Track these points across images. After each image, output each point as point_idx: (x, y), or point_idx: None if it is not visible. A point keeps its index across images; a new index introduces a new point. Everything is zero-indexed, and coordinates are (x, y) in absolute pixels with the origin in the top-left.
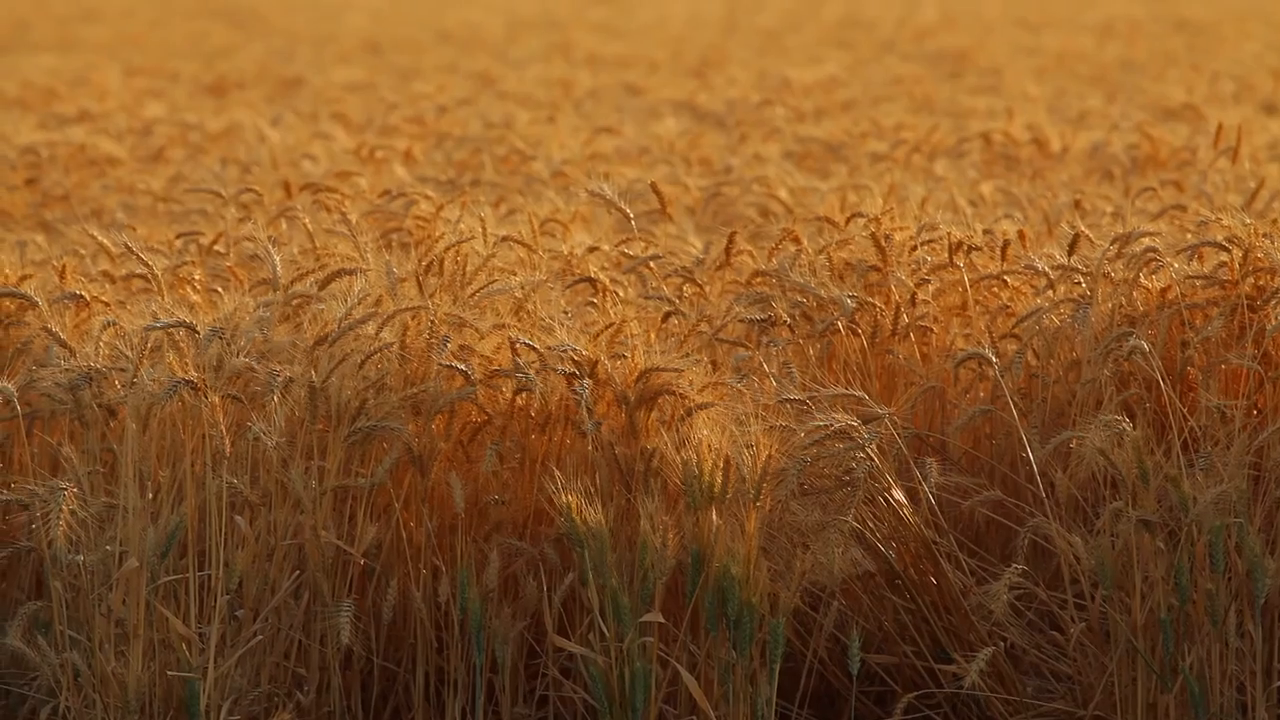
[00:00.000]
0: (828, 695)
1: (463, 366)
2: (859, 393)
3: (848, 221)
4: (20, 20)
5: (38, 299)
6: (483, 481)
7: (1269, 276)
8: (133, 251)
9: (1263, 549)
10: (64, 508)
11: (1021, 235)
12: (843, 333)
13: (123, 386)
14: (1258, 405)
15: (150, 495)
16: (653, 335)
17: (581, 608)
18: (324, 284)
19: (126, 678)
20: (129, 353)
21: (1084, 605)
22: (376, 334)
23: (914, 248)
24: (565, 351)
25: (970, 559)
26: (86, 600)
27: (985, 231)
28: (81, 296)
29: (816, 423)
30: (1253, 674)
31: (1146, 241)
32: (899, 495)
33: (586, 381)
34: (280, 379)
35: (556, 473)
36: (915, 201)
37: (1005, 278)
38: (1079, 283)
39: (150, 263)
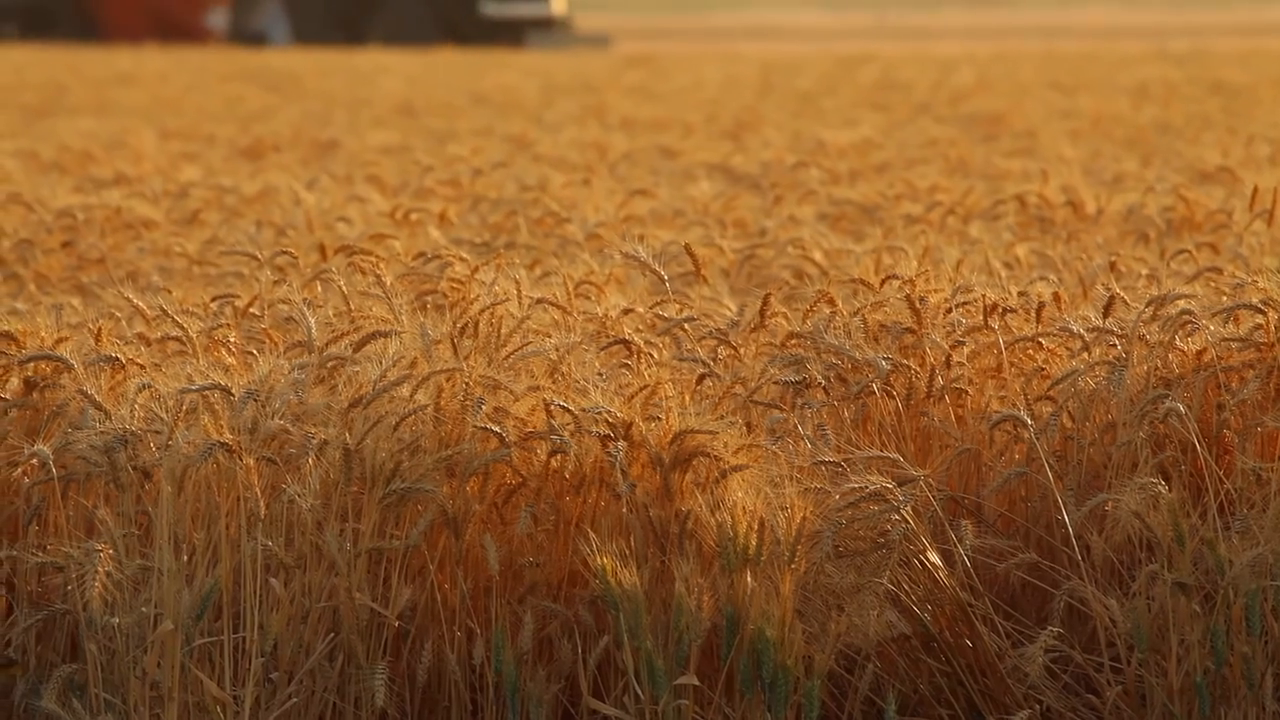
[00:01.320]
0: None
1: (497, 429)
2: (894, 455)
3: (882, 284)
4: (57, 84)
5: (73, 362)
6: (517, 543)
7: None
8: (168, 314)
9: None
10: (99, 570)
11: (1057, 297)
12: (878, 395)
13: (158, 449)
14: None
15: (185, 558)
16: (687, 397)
17: (616, 670)
18: (359, 346)
19: None
20: (164, 415)
21: (1120, 668)
22: (411, 396)
23: (949, 310)
24: (600, 413)
25: (1006, 622)
26: (121, 663)
27: (1020, 294)
28: (117, 359)
29: (851, 485)
30: None
31: (1182, 304)
32: (934, 558)
33: (621, 443)
34: (315, 441)
35: (591, 535)
36: (950, 264)
37: (1040, 340)
38: (1114, 345)
39: (185, 325)
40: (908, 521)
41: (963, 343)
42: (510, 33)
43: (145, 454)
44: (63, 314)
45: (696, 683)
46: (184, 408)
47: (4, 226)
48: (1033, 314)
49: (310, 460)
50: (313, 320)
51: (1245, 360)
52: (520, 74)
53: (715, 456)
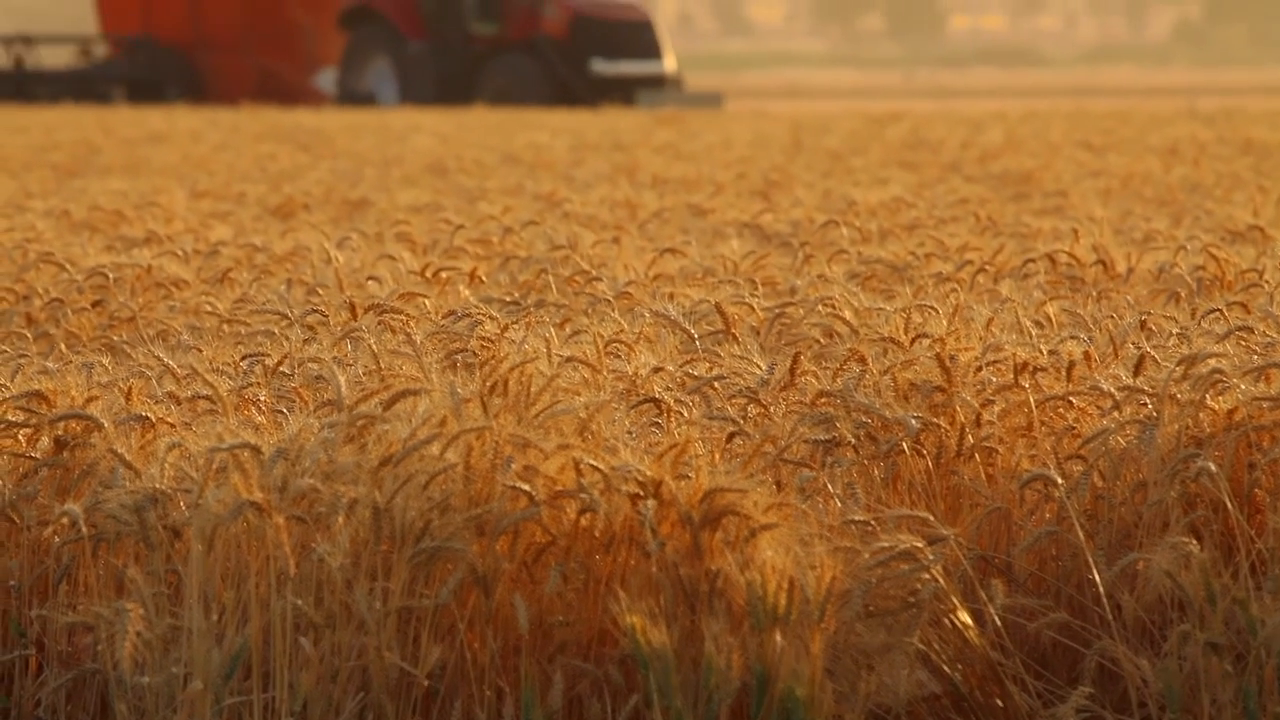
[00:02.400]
0: None
1: (527, 487)
2: (924, 514)
3: (912, 342)
4: (89, 144)
5: (104, 420)
6: (547, 602)
7: None
8: (198, 373)
9: None
10: (129, 629)
11: (1087, 356)
12: (907, 453)
13: (188, 508)
14: None
15: (215, 617)
16: (717, 456)
17: None
18: (388, 405)
19: None
20: (194, 474)
21: None
22: (441, 454)
23: (979, 368)
24: (629, 472)
25: (1036, 681)
26: None
27: (1051, 352)
28: (147, 418)
29: (881, 544)
30: None
31: (1213, 363)
32: (965, 617)
33: (651, 502)
34: (345, 500)
35: (621, 593)
36: (980, 322)
37: (1071, 398)
38: (1145, 404)
39: (215, 384)
40: (938, 580)
41: (993, 401)
42: (621, 91)
43: (175, 513)
44: (93, 373)
45: None
46: (214, 466)
47: (35, 286)
48: (1063, 372)
49: (340, 519)
50: (343, 378)
51: (1277, 419)
52: (550, 133)
53: (745, 515)
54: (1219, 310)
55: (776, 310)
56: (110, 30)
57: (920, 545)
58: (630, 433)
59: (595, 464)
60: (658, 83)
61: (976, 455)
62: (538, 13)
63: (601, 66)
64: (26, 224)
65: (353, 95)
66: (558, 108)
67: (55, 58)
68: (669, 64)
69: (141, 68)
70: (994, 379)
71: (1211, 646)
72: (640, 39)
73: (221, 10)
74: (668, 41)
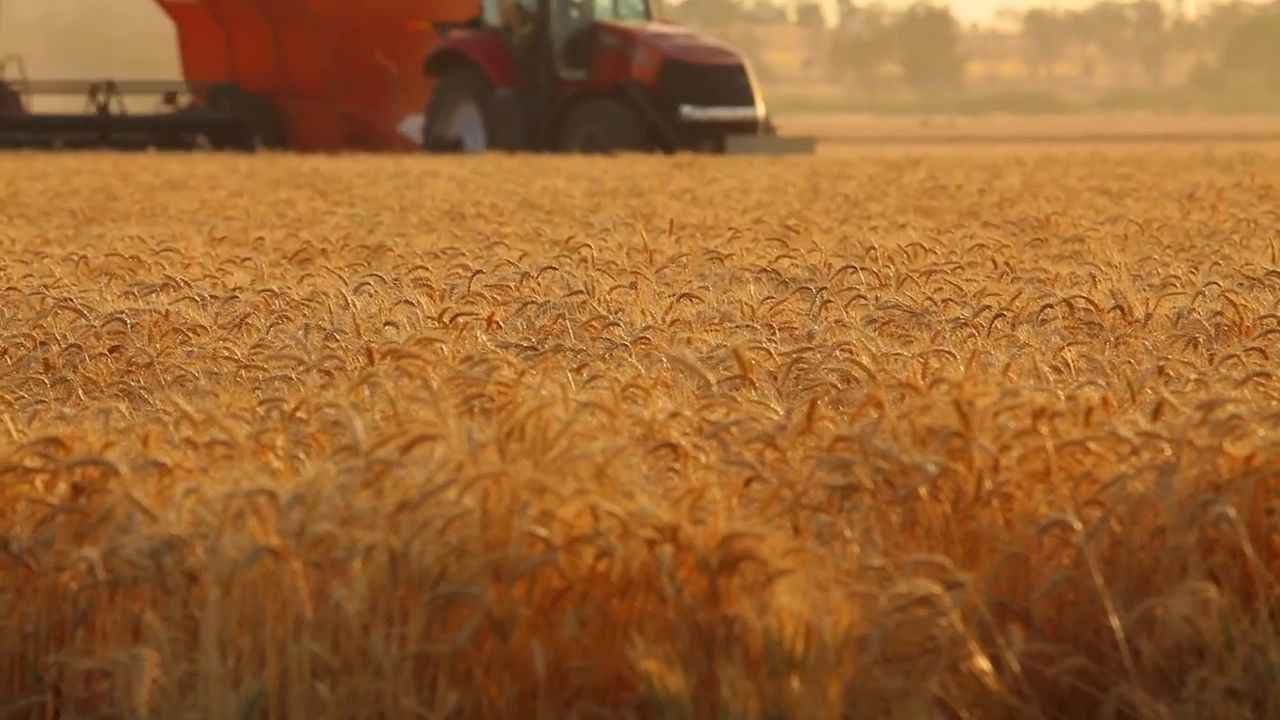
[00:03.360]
0: None
1: (544, 532)
2: (941, 559)
3: (930, 387)
4: (108, 190)
5: (121, 466)
6: (564, 647)
7: None
8: (215, 419)
9: None
10: (146, 675)
11: (1105, 401)
12: (925, 499)
13: (205, 553)
14: None
15: (232, 662)
16: (734, 500)
17: None
18: (405, 450)
19: None
20: (211, 519)
21: None
22: (458, 499)
23: (997, 414)
24: (646, 517)
25: None
26: None
27: (1068, 397)
28: (164, 464)
29: (899, 589)
30: None
31: (1231, 408)
32: (982, 662)
33: (668, 547)
34: (361, 545)
35: (637, 638)
36: (998, 367)
37: (1089, 444)
38: (1163, 449)
39: (232, 430)
40: (956, 626)
41: (1011, 446)
42: (712, 137)
43: (192, 558)
44: (110, 418)
45: None
46: (231, 512)
47: (53, 331)
48: (1081, 418)
49: (357, 564)
50: (360, 423)
51: None
52: (568, 178)
53: (762, 560)
54: (1237, 356)
55: (794, 355)
56: (194, 77)
57: (938, 590)
58: (647, 477)
59: (612, 509)
60: (749, 128)
61: (994, 500)
62: (627, 57)
63: (692, 112)
64: (44, 270)
65: (439, 142)
66: (648, 153)
67: (140, 105)
68: (760, 109)
69: (226, 115)
70: (1012, 424)
71: (1230, 692)
72: (731, 84)
73: (307, 57)
74: (757, 86)
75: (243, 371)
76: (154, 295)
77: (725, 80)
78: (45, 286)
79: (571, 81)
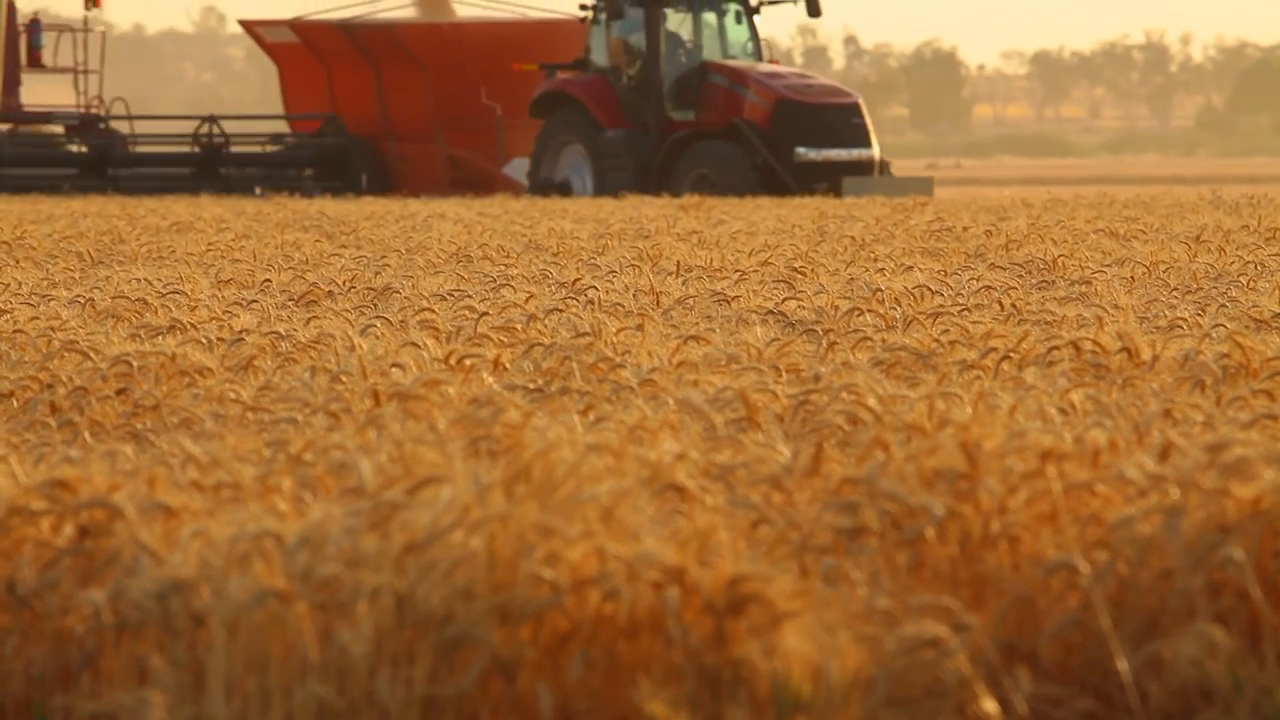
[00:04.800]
0: None
1: (550, 574)
2: (949, 601)
3: (937, 429)
4: (114, 233)
5: (127, 509)
6: (570, 689)
7: None
8: (221, 461)
9: None
10: (152, 718)
11: (1112, 443)
12: (932, 541)
13: (211, 596)
14: None
15: (238, 705)
16: (741, 542)
17: None
18: (412, 492)
19: None
20: (217, 562)
21: None
22: (464, 541)
23: (1003, 456)
24: (653, 559)
25: None
26: None
27: (1075, 440)
28: (170, 506)
29: (906, 631)
30: None
31: (1238, 450)
32: (990, 705)
33: (674, 589)
34: (368, 587)
35: (644, 681)
36: (1004, 409)
37: (1095, 486)
38: (1170, 491)
39: (238, 472)
40: (963, 668)
41: (1017, 488)
42: (827, 178)
43: (198, 600)
44: (116, 461)
45: None
46: (237, 554)
47: (60, 374)
48: (1088, 460)
49: (363, 606)
50: (366, 465)
51: None
52: (574, 221)
53: (769, 602)
54: (1244, 398)
55: (800, 397)
56: (293, 118)
57: (945, 633)
58: (654, 519)
59: (619, 551)
60: (865, 169)
61: (1001, 542)
62: (738, 97)
63: (806, 153)
64: (51, 313)
65: (545, 184)
66: (761, 196)
67: (246, 145)
68: (875, 150)
69: (330, 157)
70: (1018, 466)
71: None
72: (847, 124)
73: (409, 99)
74: (872, 126)
75: (249, 414)
76: (160, 338)
77: (840, 120)
78: (52, 329)
79: (681, 123)
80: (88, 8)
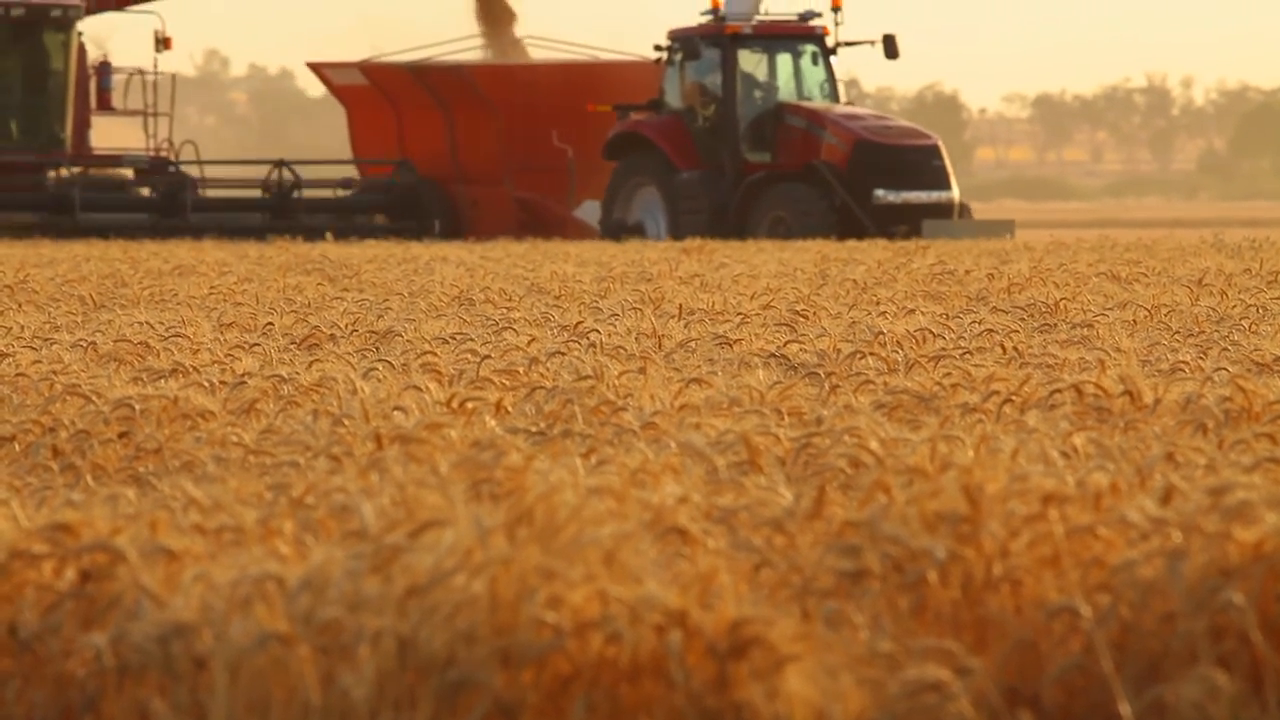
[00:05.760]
0: None
1: (552, 617)
2: (951, 644)
3: (939, 472)
4: (116, 277)
5: (128, 552)
6: None
7: None
8: (223, 504)
9: None
10: None
11: (1114, 487)
12: (934, 584)
13: (213, 639)
14: None
15: None
16: (743, 586)
17: None
18: (414, 535)
19: None
20: (219, 605)
21: None
22: (466, 585)
23: (1005, 499)
24: (655, 602)
25: None
26: None
27: (1077, 483)
28: (172, 550)
29: (908, 675)
30: None
31: (1240, 494)
32: None
33: (676, 632)
34: (370, 631)
35: None
36: (1006, 453)
37: (1098, 529)
38: (1172, 535)
39: (240, 515)
40: (965, 712)
41: (1020, 532)
42: (906, 221)
43: (200, 644)
44: (118, 504)
45: None
46: (239, 597)
47: (62, 418)
48: (1090, 503)
49: (365, 649)
50: (368, 509)
51: None
52: (576, 264)
53: (771, 646)
54: (1246, 441)
55: (802, 440)
56: (365, 163)
57: (947, 676)
58: (656, 563)
59: (621, 594)
60: (945, 212)
61: (1003, 586)
62: (815, 139)
63: (885, 195)
64: (53, 356)
65: (618, 227)
66: (841, 238)
67: (316, 189)
68: (955, 192)
69: (402, 201)
70: (1020, 509)
71: None
72: (926, 166)
73: (479, 141)
74: (952, 168)
75: (251, 457)
76: (162, 381)
77: (920, 162)
78: (54, 373)
79: (757, 164)
80: (158, 49)
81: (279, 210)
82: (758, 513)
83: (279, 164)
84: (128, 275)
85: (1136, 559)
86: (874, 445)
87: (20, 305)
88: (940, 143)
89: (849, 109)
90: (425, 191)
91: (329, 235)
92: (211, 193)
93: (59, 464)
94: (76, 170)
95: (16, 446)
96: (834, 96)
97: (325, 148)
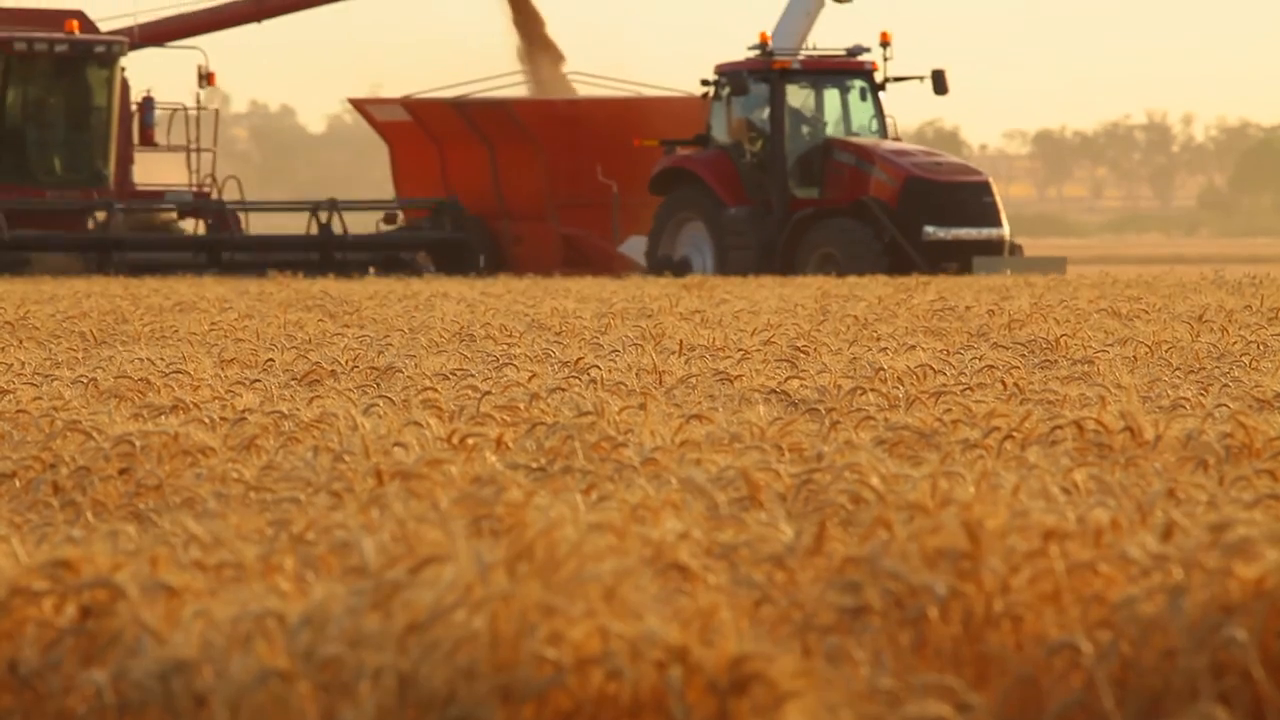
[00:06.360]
0: None
1: (553, 653)
2: (952, 680)
3: (939, 508)
4: (117, 313)
5: (129, 588)
6: None
7: None
8: (224, 541)
9: None
10: None
11: (1114, 523)
12: (935, 620)
13: (213, 675)
14: None
15: None
16: (744, 622)
17: None
18: (414, 571)
19: None
20: (219, 641)
21: None
22: (467, 621)
23: (1006, 535)
24: (656, 638)
25: None
26: None
27: (1078, 519)
28: (172, 586)
29: (909, 711)
30: None
31: (1241, 530)
32: None
33: (677, 668)
34: (370, 667)
35: None
36: (1007, 489)
37: (1098, 565)
38: (1173, 571)
39: (241, 551)
40: None
41: (1020, 568)
42: (957, 258)
43: (200, 681)
44: (119, 541)
45: None
46: (239, 634)
47: (62, 454)
48: (1091, 539)
49: (365, 686)
50: (368, 545)
51: None
52: (577, 300)
53: (772, 682)
54: (1247, 477)
55: (803, 476)
56: (408, 198)
57: (948, 712)
58: (656, 599)
59: (621, 630)
60: (995, 249)
61: (1004, 622)
62: (865, 175)
63: (935, 232)
64: (54, 392)
65: (664, 263)
66: (891, 275)
67: (361, 224)
68: (1006, 229)
69: (444, 236)
70: (1021, 545)
71: None
72: (977, 203)
73: (523, 177)
74: (1002, 204)
75: (251, 493)
76: (163, 417)
77: (970, 199)
78: (54, 409)
79: (805, 200)
80: (201, 85)
81: (323, 247)
82: (758, 549)
83: (329, 206)
84: (128, 311)
85: (1137, 595)
86: (875, 481)
87: (21, 341)
88: (991, 180)
89: (898, 145)
90: (473, 229)
91: (371, 270)
92: (256, 230)
93: (59, 500)
94: (120, 206)
95: (17, 483)
96: (882, 132)
97: (327, 183)
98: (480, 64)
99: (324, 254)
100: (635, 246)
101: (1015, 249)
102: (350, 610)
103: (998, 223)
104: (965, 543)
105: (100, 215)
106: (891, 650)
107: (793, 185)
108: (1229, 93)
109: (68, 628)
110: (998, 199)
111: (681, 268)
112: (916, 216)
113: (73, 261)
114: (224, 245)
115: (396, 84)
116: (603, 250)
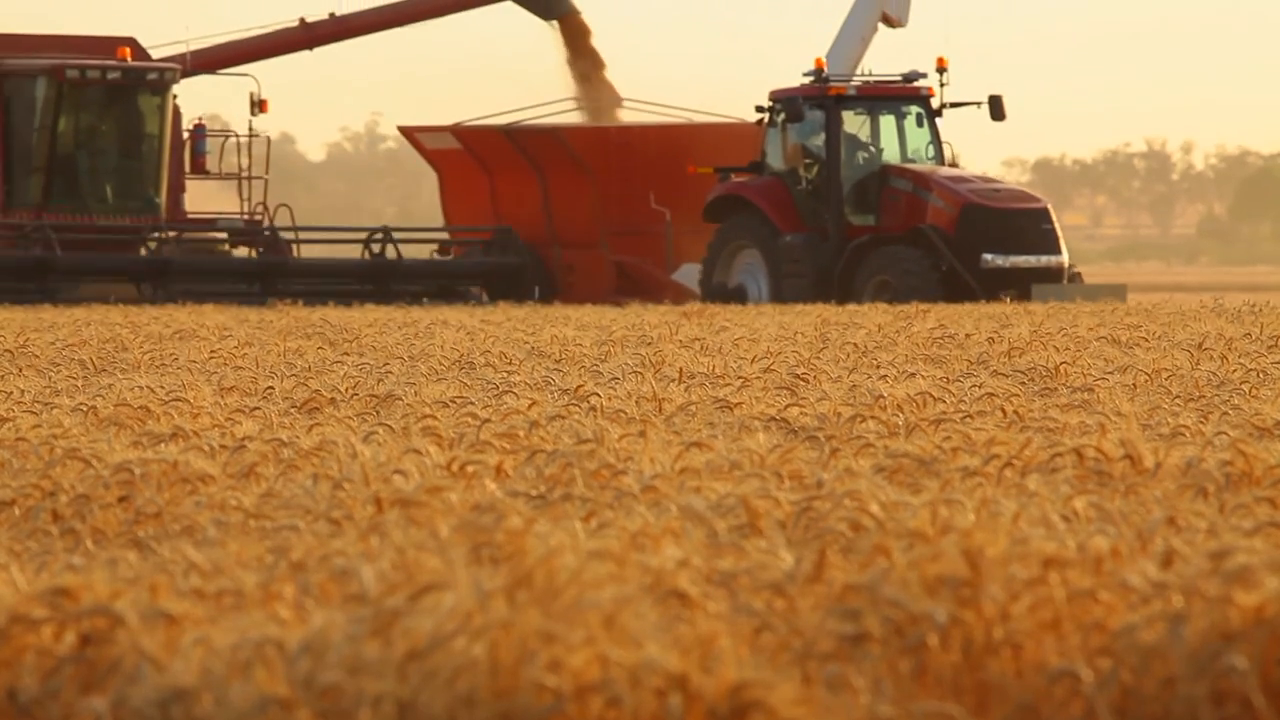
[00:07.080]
0: None
1: (553, 681)
2: (952, 708)
3: (939, 536)
4: (117, 341)
5: (128, 616)
6: None
7: None
8: (223, 568)
9: None
10: None
11: (1115, 551)
12: (935, 647)
13: (213, 703)
14: None
15: None
16: (744, 649)
17: None
18: (414, 598)
19: None
20: (219, 669)
21: None
22: (466, 648)
23: (1006, 562)
24: (656, 666)
25: None
26: None
27: (1078, 547)
28: (171, 614)
29: None
30: None
31: (1241, 558)
32: None
33: (677, 696)
34: (370, 694)
35: None
36: (1007, 516)
37: (1098, 593)
38: (1173, 599)
39: (240, 579)
40: None
41: (1020, 595)
42: (1016, 285)
43: (200, 708)
44: (118, 568)
45: None
46: (239, 661)
47: (62, 482)
48: (1091, 567)
49: (365, 713)
50: (368, 572)
51: None
52: (577, 328)
53: (772, 709)
54: (1247, 505)
55: (803, 504)
56: (458, 227)
57: None
58: (656, 626)
59: (621, 658)
60: (1054, 276)
61: (1004, 649)
62: (921, 202)
63: (994, 259)
64: (53, 420)
65: (719, 291)
66: (949, 302)
67: (414, 252)
68: (1065, 256)
69: (502, 268)
70: (1021, 573)
71: None
72: (1035, 230)
73: (575, 204)
74: (1061, 231)
75: (251, 521)
76: (163, 445)
77: (1029, 226)
78: (54, 437)
79: (861, 228)
80: (253, 113)
81: (377, 276)
82: (758, 576)
83: (383, 231)
84: (128, 339)
85: (1137, 623)
86: (874, 509)
87: (21, 369)
88: (1050, 206)
89: (955, 171)
90: (527, 258)
91: (424, 300)
92: (306, 256)
93: (59, 528)
94: (171, 234)
95: (16, 511)
96: (939, 158)
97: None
98: (517, 92)
99: (378, 283)
100: (689, 274)
101: (1075, 276)
102: (350, 638)
103: (1057, 250)
104: (965, 570)
105: (152, 243)
106: (891, 678)
107: (849, 212)
108: (1228, 121)
109: (67, 655)
110: (1057, 226)
111: (736, 295)
112: (974, 244)
113: (125, 289)
114: (277, 271)
115: (398, 114)
116: (656, 278)
